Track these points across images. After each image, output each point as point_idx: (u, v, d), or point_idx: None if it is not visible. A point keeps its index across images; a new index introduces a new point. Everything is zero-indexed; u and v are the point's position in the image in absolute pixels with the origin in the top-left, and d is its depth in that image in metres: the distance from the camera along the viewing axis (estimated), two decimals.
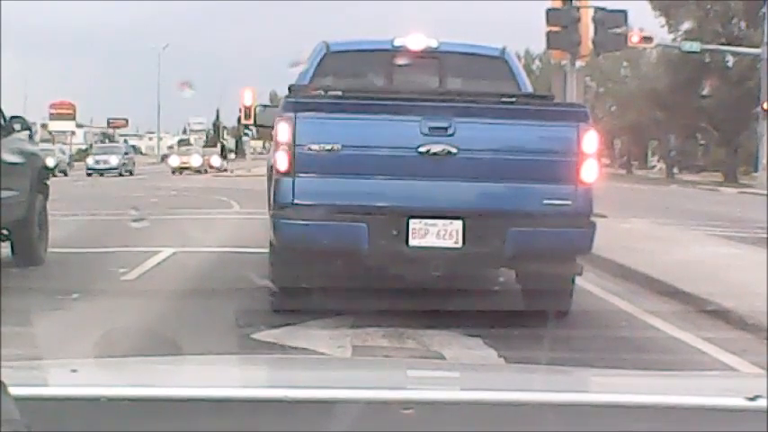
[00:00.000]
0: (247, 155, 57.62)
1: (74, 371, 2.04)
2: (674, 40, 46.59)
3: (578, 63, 20.45)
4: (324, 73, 8.82)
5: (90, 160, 50.63)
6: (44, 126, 69.22)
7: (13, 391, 1.43)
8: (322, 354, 6.18)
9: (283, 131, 7.05)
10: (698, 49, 40.91)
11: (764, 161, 38.22)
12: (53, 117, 70.04)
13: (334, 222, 7.03)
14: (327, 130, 7.11)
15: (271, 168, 7.67)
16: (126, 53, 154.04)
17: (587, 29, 20.69)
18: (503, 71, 8.91)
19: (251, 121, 22.00)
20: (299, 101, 7.35)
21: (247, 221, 15.27)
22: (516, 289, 7.91)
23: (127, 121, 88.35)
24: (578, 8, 20.36)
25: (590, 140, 7.13)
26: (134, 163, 52.63)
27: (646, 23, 42.21)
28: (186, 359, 2.94)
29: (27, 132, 11.14)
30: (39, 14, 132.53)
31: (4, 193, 9.22)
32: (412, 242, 7.01)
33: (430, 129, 7.01)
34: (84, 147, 71.91)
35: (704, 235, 14.89)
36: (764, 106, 37.97)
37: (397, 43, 8.86)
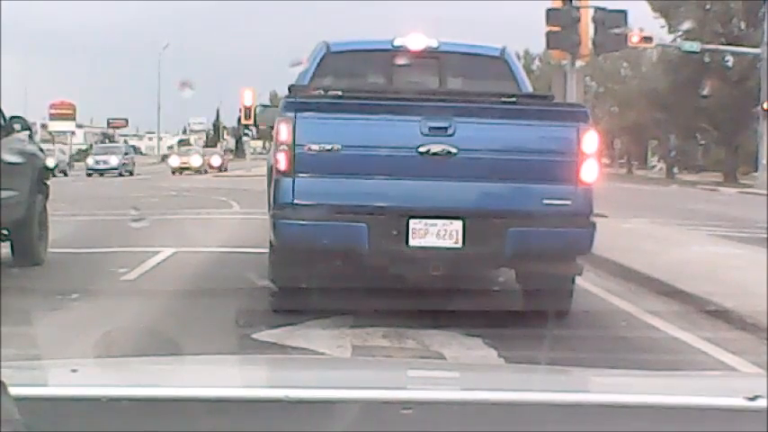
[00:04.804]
0: (247, 155, 57.61)
1: (74, 371, 2.04)
2: (674, 40, 46.60)
3: (578, 63, 20.43)
4: (324, 73, 8.81)
5: (90, 160, 50.64)
6: (44, 126, 69.15)
7: (13, 391, 1.43)
8: (322, 354, 6.18)
9: (283, 131, 7.05)
10: (698, 49, 40.91)
11: (764, 161, 38.21)
12: (53, 117, 69.94)
13: (334, 222, 7.03)
14: (327, 130, 7.11)
15: (271, 168, 7.67)
16: (126, 53, 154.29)
17: (587, 29, 20.66)
18: (503, 71, 8.91)
19: (251, 121, 22.05)
20: (299, 101, 7.35)
21: (247, 221, 15.26)
22: (516, 289, 7.91)
23: (127, 121, 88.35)
24: (578, 8, 20.31)
25: (590, 140, 7.13)
26: (134, 163, 52.63)
27: (646, 23, 42.24)
28: (186, 359, 2.94)
29: (27, 132, 11.14)
30: (39, 15, 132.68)
31: (4, 193, 9.22)
32: (412, 242, 7.01)
33: (430, 129, 7.01)
34: (84, 147, 71.88)
35: (704, 235, 14.90)
36: (764, 106, 37.97)
37: (397, 43, 8.85)
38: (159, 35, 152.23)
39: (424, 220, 7.01)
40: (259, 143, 59.39)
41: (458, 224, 7.02)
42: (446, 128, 7.02)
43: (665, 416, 1.67)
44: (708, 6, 49.75)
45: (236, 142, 79.87)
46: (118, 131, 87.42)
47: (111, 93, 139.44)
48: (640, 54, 56.38)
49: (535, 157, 7.18)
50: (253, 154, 57.02)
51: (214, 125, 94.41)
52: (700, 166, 59.96)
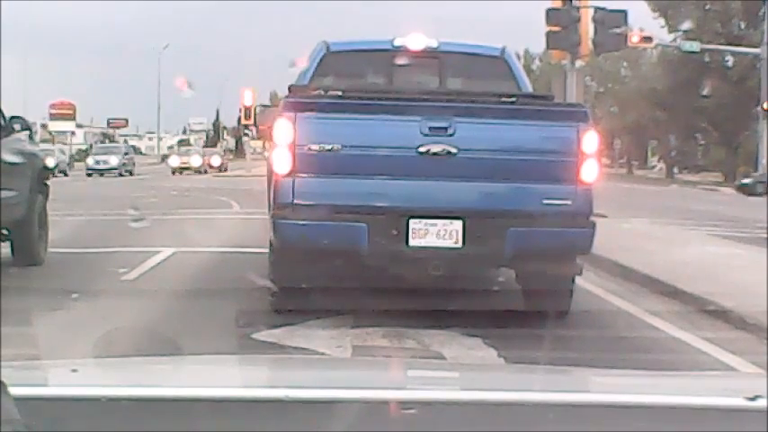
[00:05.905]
0: (247, 155, 57.61)
1: (74, 371, 2.04)
2: (674, 40, 46.63)
3: (578, 63, 20.45)
4: (324, 73, 8.81)
5: (90, 160, 50.65)
6: (44, 126, 69.18)
7: (13, 391, 1.43)
8: (322, 354, 6.18)
9: (283, 131, 7.05)
10: (698, 49, 40.97)
11: (764, 161, 38.26)
12: (53, 117, 70.00)
13: (334, 222, 7.03)
14: (327, 130, 7.11)
15: (271, 168, 7.67)
16: (126, 53, 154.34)
17: (587, 29, 20.68)
18: (503, 71, 8.90)
19: (251, 121, 22.05)
20: (299, 101, 7.35)
21: (247, 221, 15.26)
22: (516, 289, 7.91)
23: (127, 121, 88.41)
24: (578, 8, 20.33)
25: (590, 140, 7.13)
26: (134, 163, 52.64)
27: (646, 23, 42.31)
28: (186, 359, 2.95)
29: (27, 132, 11.14)
30: (38, 15, 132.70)
31: (4, 193, 9.22)
32: (412, 242, 7.01)
33: (430, 129, 7.01)
34: (84, 147, 71.89)
35: (704, 235, 14.90)
36: (764, 106, 38.00)
37: (397, 43, 8.85)
38: (159, 35, 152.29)
39: (424, 220, 7.01)
40: (259, 143, 59.29)
41: (458, 224, 7.02)
42: (446, 128, 7.02)
43: (665, 416, 1.67)
44: (708, 6, 49.81)
45: (236, 142, 79.88)
46: (118, 131, 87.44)
47: (111, 93, 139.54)
48: (640, 54, 56.44)
49: (535, 157, 7.18)
50: (253, 154, 56.97)
51: (214, 125, 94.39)
52: (700, 166, 60.02)
